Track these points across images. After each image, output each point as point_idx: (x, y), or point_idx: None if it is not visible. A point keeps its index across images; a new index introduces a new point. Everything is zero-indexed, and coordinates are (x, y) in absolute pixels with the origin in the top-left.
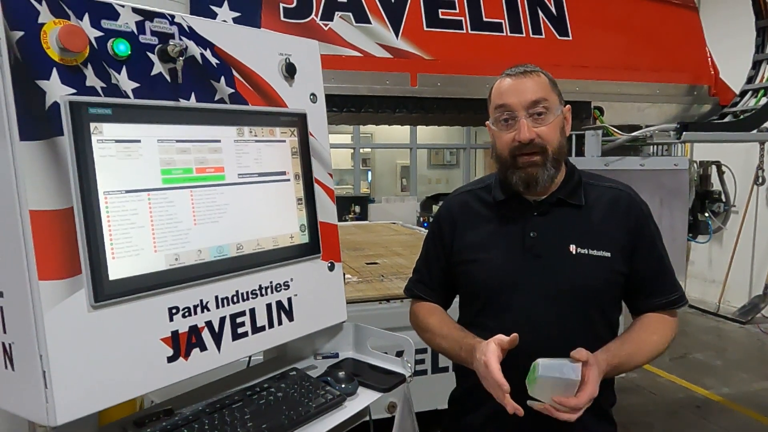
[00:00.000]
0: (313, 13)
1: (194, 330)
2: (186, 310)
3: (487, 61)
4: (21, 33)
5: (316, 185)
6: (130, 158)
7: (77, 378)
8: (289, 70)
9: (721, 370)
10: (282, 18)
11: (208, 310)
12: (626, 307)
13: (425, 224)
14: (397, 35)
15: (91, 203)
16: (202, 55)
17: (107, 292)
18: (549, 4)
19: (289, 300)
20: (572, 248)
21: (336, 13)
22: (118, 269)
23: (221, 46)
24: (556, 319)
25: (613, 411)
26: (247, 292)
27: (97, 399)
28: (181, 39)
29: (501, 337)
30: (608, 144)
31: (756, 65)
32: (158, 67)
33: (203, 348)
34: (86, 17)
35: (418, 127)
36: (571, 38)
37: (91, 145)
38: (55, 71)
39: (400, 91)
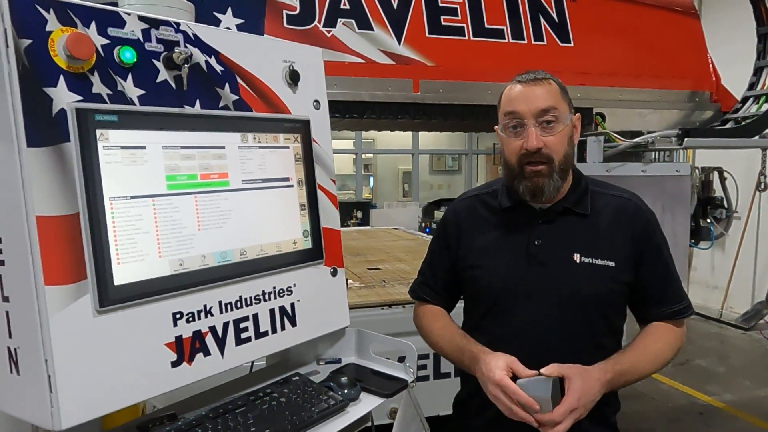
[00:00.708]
0: (316, 20)
1: (198, 335)
2: (190, 315)
3: (489, 68)
4: (29, 41)
5: (319, 191)
6: (135, 164)
7: (82, 382)
8: (293, 77)
9: (724, 377)
10: (285, 25)
11: (212, 315)
12: (633, 316)
13: (427, 230)
14: (399, 42)
15: (96, 209)
16: (207, 62)
17: (112, 297)
18: (551, 11)
19: (292, 305)
20: (576, 257)
21: (339, 19)
22: (123, 274)
23: (226, 54)
24: (558, 327)
25: (616, 418)
26: (250, 298)
27: (102, 403)
28: (186, 46)
29: (509, 362)
30: (610, 150)
31: (757, 72)
32: (163, 74)
33: (207, 353)
34: (93, 25)
35: (420, 132)
36: (572, 45)
37: (97, 151)
38: (62, 78)
39: (402, 98)
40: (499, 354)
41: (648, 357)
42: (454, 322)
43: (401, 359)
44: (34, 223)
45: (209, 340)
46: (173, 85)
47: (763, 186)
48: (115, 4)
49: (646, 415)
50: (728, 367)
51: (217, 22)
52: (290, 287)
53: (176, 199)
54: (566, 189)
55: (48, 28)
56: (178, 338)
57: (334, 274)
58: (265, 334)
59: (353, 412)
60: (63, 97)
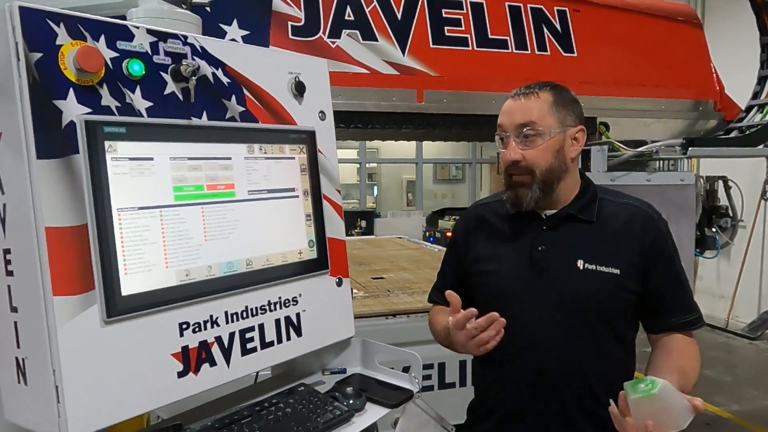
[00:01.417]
0: (321, 31)
1: (204, 345)
2: (196, 325)
3: (492, 78)
4: (40, 54)
5: (324, 201)
6: (143, 176)
7: (89, 393)
8: (299, 89)
9: (731, 387)
10: (290, 36)
11: (218, 325)
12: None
13: (431, 239)
14: (403, 52)
15: (104, 220)
16: (213, 74)
17: (119, 307)
18: (554, 21)
19: (298, 315)
20: (580, 263)
21: (343, 30)
22: (130, 285)
23: (232, 66)
24: (559, 333)
25: None
26: (256, 308)
27: (109, 414)
28: (193, 59)
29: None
30: (614, 159)
31: (761, 81)
32: (171, 87)
33: (213, 363)
34: (102, 39)
35: (424, 142)
36: (576, 55)
37: (105, 162)
38: (71, 91)
39: (406, 108)
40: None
41: (690, 378)
42: None
43: (406, 369)
44: (43, 234)
45: (215, 351)
46: (181, 97)
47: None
48: (124, 18)
49: None
50: (735, 377)
51: (222, 34)
52: (296, 297)
53: (183, 210)
54: (572, 196)
55: (58, 42)
56: (185, 348)
57: (339, 284)
58: (271, 344)
59: (359, 423)
60: (72, 109)
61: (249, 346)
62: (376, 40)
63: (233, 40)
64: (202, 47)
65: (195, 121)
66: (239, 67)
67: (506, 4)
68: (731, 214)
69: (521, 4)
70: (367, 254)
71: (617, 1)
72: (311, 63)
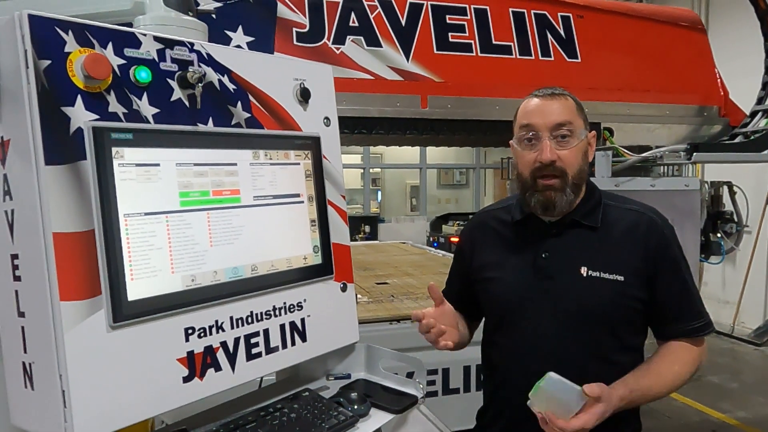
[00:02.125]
0: (326, 37)
1: (209, 350)
2: (201, 330)
3: (496, 83)
4: (48, 62)
5: (329, 207)
6: (149, 181)
7: (95, 398)
8: (304, 95)
9: (737, 393)
10: (295, 42)
11: (223, 330)
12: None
13: (435, 244)
14: (407, 58)
15: (111, 225)
16: (219, 81)
17: (126, 312)
18: (558, 27)
19: (303, 321)
20: (583, 270)
21: (348, 37)
22: (136, 290)
23: (238, 72)
24: (561, 340)
25: None
26: (261, 313)
27: (114, 418)
28: (200, 66)
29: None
30: (618, 165)
31: (766, 86)
32: (177, 93)
33: (218, 368)
34: (110, 46)
35: (428, 147)
36: (580, 60)
37: (112, 169)
38: (79, 98)
39: (410, 113)
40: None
41: (664, 380)
42: (456, 316)
43: (410, 374)
44: (50, 240)
45: (220, 356)
46: (187, 103)
47: None
48: (131, 25)
49: None
50: (741, 384)
51: (228, 41)
52: (300, 302)
53: (189, 216)
54: (577, 202)
55: (66, 49)
56: (190, 353)
57: (343, 289)
58: (276, 349)
59: (363, 428)
60: (80, 116)
61: (254, 351)
62: (381, 46)
63: (238, 46)
64: (208, 54)
65: (201, 127)
66: (245, 73)
67: (510, 10)
68: (736, 220)
69: (525, 10)
70: (371, 259)
71: (621, 7)
72: (316, 69)
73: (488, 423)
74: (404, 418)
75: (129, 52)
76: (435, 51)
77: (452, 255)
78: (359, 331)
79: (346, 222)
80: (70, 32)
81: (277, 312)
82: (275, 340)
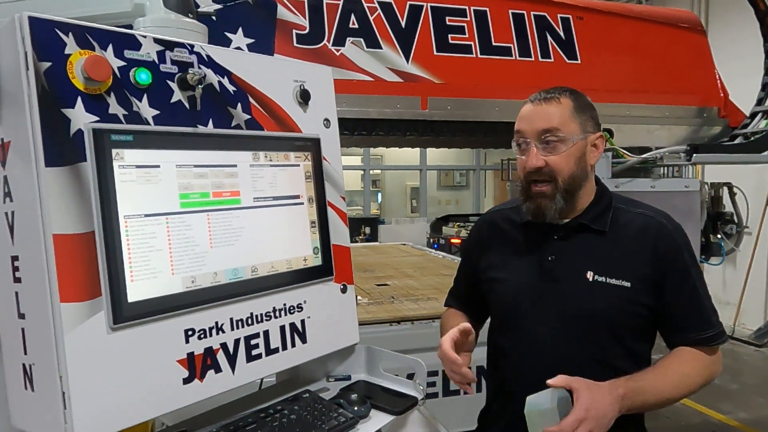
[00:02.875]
0: (325, 39)
1: (209, 352)
2: (202, 332)
3: (496, 85)
4: (49, 64)
5: (329, 208)
6: (149, 183)
7: (95, 399)
8: (304, 97)
9: (738, 395)
10: (295, 44)
11: (223, 332)
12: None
13: (435, 245)
14: (407, 60)
15: (111, 227)
16: (219, 82)
17: (126, 314)
18: (557, 29)
19: (303, 322)
20: (589, 275)
21: (348, 38)
22: (136, 292)
23: (238, 74)
24: (563, 344)
25: None
26: (261, 314)
27: (115, 420)
28: (200, 67)
29: (460, 326)
30: (618, 166)
31: (765, 87)
32: (177, 95)
33: (218, 370)
34: (110, 48)
35: (428, 149)
36: (579, 62)
37: (112, 170)
38: (79, 100)
39: (410, 115)
40: (453, 329)
41: (670, 378)
42: (461, 317)
43: (410, 376)
44: (50, 241)
45: (220, 357)
46: (187, 105)
47: None
48: (131, 27)
49: None
50: (741, 385)
51: (228, 42)
52: (300, 304)
53: (189, 217)
54: (585, 204)
55: (67, 51)
56: (190, 355)
57: (344, 290)
58: (276, 350)
59: (363, 430)
60: (80, 117)
61: (254, 352)
62: (380, 47)
63: (238, 48)
64: (208, 56)
65: (201, 129)
66: (245, 75)
67: (510, 11)
68: (736, 221)
69: (525, 12)
70: (372, 261)
71: (620, 8)
72: (316, 71)
73: (490, 423)
74: (404, 420)
75: (129, 53)
76: (435, 52)
77: (452, 256)
78: (359, 332)
79: (346, 223)
80: (70, 34)
81: (277, 313)
82: (275, 341)
